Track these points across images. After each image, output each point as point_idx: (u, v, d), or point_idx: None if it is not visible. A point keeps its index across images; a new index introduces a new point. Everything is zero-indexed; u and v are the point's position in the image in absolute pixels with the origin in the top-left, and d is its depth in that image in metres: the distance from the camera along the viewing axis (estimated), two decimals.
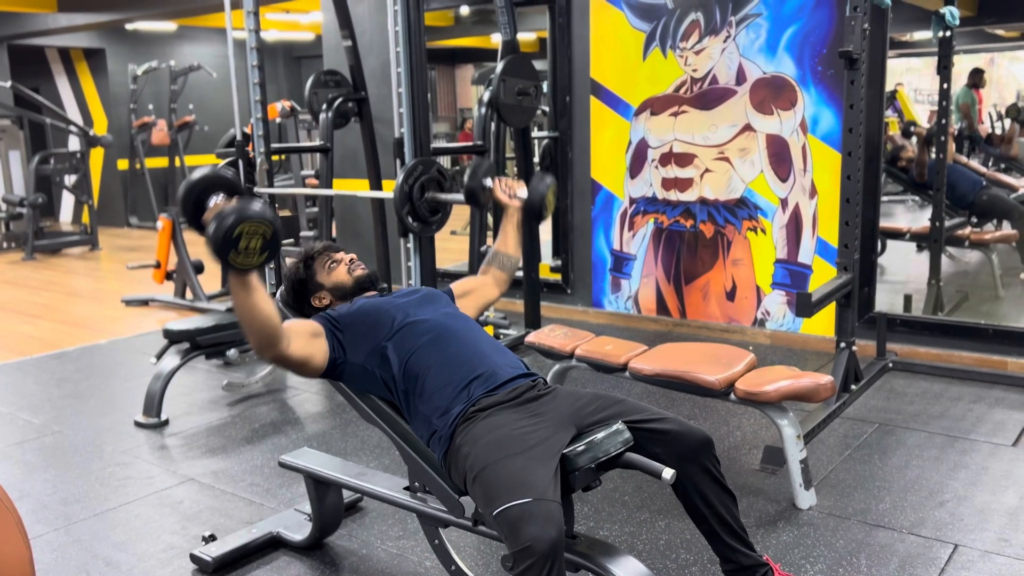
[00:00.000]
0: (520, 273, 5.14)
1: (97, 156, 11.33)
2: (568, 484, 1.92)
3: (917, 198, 6.72)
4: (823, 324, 4.48)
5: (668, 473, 1.86)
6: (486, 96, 4.40)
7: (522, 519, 1.71)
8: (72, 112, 11.65)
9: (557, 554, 1.68)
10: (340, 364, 2.20)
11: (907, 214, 7.68)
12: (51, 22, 9.13)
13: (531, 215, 2.57)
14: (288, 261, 3.42)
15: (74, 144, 9.87)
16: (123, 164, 11.29)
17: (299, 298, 2.42)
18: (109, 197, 11.60)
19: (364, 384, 2.23)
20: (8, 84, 8.99)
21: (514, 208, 2.60)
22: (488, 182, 2.61)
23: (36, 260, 8.87)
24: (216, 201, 1.86)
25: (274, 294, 2.40)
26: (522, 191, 2.58)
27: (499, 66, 4.37)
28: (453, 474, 2.05)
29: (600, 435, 1.94)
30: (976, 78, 7.78)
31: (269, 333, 1.95)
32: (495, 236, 6.19)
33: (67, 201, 11.86)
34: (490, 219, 6.49)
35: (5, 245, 9.40)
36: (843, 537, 2.62)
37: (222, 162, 5.37)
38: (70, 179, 9.83)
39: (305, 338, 2.11)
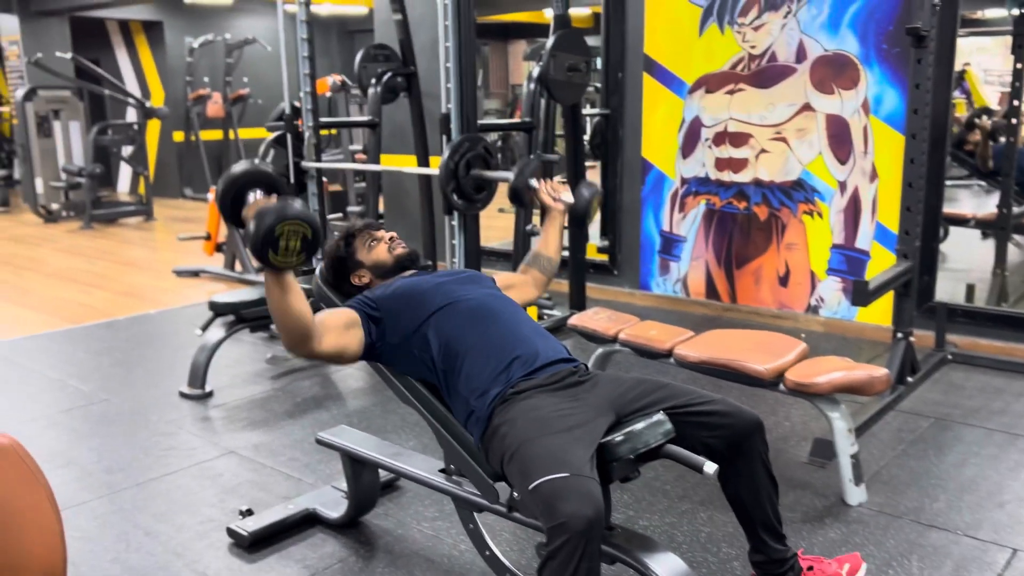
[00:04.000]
0: (566, 253, 5.06)
1: (154, 128, 11.50)
2: (606, 474, 1.86)
3: (983, 183, 6.46)
4: (880, 312, 4.33)
5: (710, 468, 1.79)
6: (535, 72, 4.31)
7: (558, 495, 1.66)
8: (131, 84, 11.83)
9: (592, 534, 1.62)
10: (378, 348, 2.16)
11: (972, 199, 7.39)
12: None
13: (575, 220, 2.57)
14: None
15: (132, 116, 10.03)
16: (179, 136, 11.45)
17: (338, 276, 2.39)
18: (164, 168, 11.78)
19: (404, 365, 2.19)
20: (69, 56, 9.14)
21: (557, 211, 2.56)
22: (533, 183, 2.60)
23: (93, 229, 9.05)
24: (255, 197, 1.86)
25: (314, 270, 2.37)
26: (567, 195, 2.55)
27: (549, 41, 4.27)
28: (490, 456, 2.01)
29: (640, 425, 1.88)
30: None
31: (301, 332, 1.93)
32: (542, 216, 6.11)
33: (124, 172, 12.08)
34: None
35: (64, 214, 9.61)
36: (894, 536, 2.52)
37: (271, 135, 5.39)
38: (127, 150, 9.99)
39: (338, 332, 2.06)
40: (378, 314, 2.15)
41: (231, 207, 1.86)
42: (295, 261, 1.77)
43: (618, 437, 1.86)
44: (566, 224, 2.61)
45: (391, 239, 2.39)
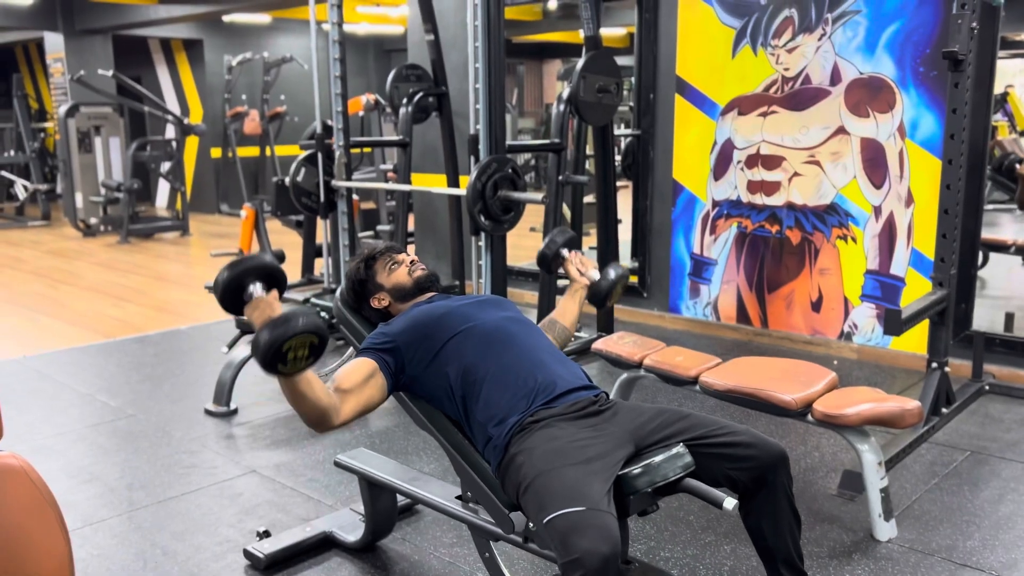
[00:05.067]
0: (594, 272, 5.02)
1: (192, 144, 11.68)
2: (623, 507, 1.82)
3: None
4: (915, 340, 4.22)
5: (729, 503, 1.75)
6: (565, 93, 4.29)
7: (574, 529, 1.62)
8: (171, 101, 12.04)
9: (608, 571, 1.58)
10: (402, 383, 2.15)
11: (1013, 224, 7.24)
12: (152, 13, 9.44)
13: (594, 300, 2.53)
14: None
15: (170, 132, 10.21)
16: (216, 152, 11.61)
17: (358, 298, 2.38)
18: (202, 184, 11.95)
19: (426, 394, 2.16)
20: (110, 73, 9.33)
21: (580, 285, 2.53)
22: (564, 252, 2.57)
23: (130, 244, 9.19)
24: (254, 289, 1.82)
25: (334, 290, 2.37)
26: (593, 272, 2.53)
27: (579, 62, 4.26)
28: (507, 485, 1.97)
29: (659, 458, 1.83)
30: None
31: (318, 416, 1.91)
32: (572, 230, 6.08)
33: (163, 187, 12.28)
34: (567, 210, 6.38)
35: (102, 228, 9.77)
36: (925, 575, 2.44)
37: (304, 153, 5.42)
38: (165, 166, 10.15)
39: (358, 392, 2.02)
40: (394, 349, 2.12)
41: (231, 299, 1.84)
42: (303, 367, 1.77)
43: (636, 470, 1.82)
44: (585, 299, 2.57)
45: (412, 262, 2.37)
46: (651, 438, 1.92)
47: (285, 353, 1.71)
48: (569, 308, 2.55)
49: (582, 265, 2.55)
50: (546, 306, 4.26)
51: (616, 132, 5.32)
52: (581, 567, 1.56)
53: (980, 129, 3.99)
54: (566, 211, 6.66)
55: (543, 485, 1.77)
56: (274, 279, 1.86)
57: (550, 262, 2.59)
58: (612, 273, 2.52)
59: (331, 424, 1.95)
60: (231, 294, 1.83)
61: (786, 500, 1.94)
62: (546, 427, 1.94)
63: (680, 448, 1.85)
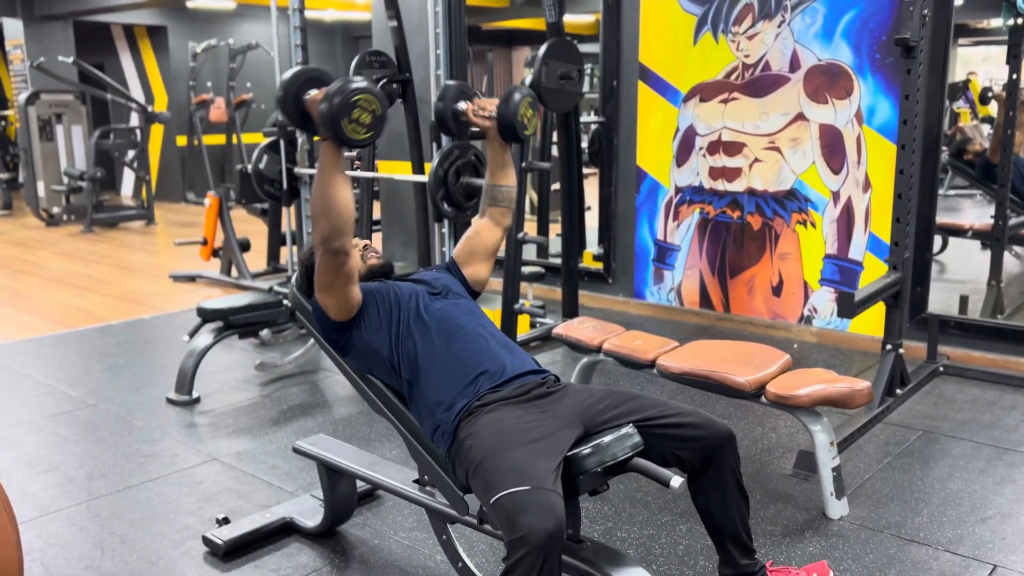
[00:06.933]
0: (558, 260, 5.05)
1: (157, 132, 11.52)
2: (573, 487, 1.85)
3: (984, 194, 6.42)
4: (873, 323, 4.30)
5: (676, 482, 1.78)
6: (528, 79, 4.30)
7: (519, 508, 1.65)
8: (135, 88, 11.87)
9: (552, 548, 1.61)
10: (354, 329, 2.17)
11: (974, 209, 7.36)
12: None
13: (505, 134, 2.23)
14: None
15: (135, 120, 10.07)
16: (182, 140, 11.46)
17: (311, 283, 2.37)
18: (167, 173, 11.80)
19: (369, 364, 2.20)
20: (71, 60, 9.17)
21: (492, 130, 2.30)
22: (461, 106, 2.30)
23: (94, 233, 9.07)
24: (313, 93, 1.96)
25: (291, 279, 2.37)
26: (495, 109, 2.26)
27: (541, 49, 4.26)
28: (457, 469, 2.00)
29: (608, 438, 1.86)
30: None
31: (343, 222, 1.97)
32: (539, 221, 6.09)
33: (128, 176, 12.10)
34: (533, 194, 6.37)
35: (65, 217, 9.63)
36: (873, 551, 2.50)
37: (267, 140, 5.39)
38: (129, 154, 10.01)
39: (358, 260, 2.17)
40: (363, 303, 2.18)
41: (294, 107, 1.97)
42: (361, 136, 1.85)
43: (585, 450, 1.84)
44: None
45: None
46: (600, 419, 1.94)
47: (353, 105, 1.81)
48: (495, 162, 2.36)
49: (482, 109, 2.29)
50: (510, 293, 4.28)
51: (583, 119, 5.35)
52: (526, 544, 1.59)
53: (934, 115, 4.06)
54: (533, 197, 6.70)
55: (490, 466, 1.79)
56: (324, 83, 1.98)
57: (448, 122, 2.34)
58: (512, 98, 2.19)
59: (344, 242, 1.99)
60: (293, 103, 1.96)
61: (733, 479, 1.98)
62: (493, 410, 1.97)
63: (629, 428, 1.88)
